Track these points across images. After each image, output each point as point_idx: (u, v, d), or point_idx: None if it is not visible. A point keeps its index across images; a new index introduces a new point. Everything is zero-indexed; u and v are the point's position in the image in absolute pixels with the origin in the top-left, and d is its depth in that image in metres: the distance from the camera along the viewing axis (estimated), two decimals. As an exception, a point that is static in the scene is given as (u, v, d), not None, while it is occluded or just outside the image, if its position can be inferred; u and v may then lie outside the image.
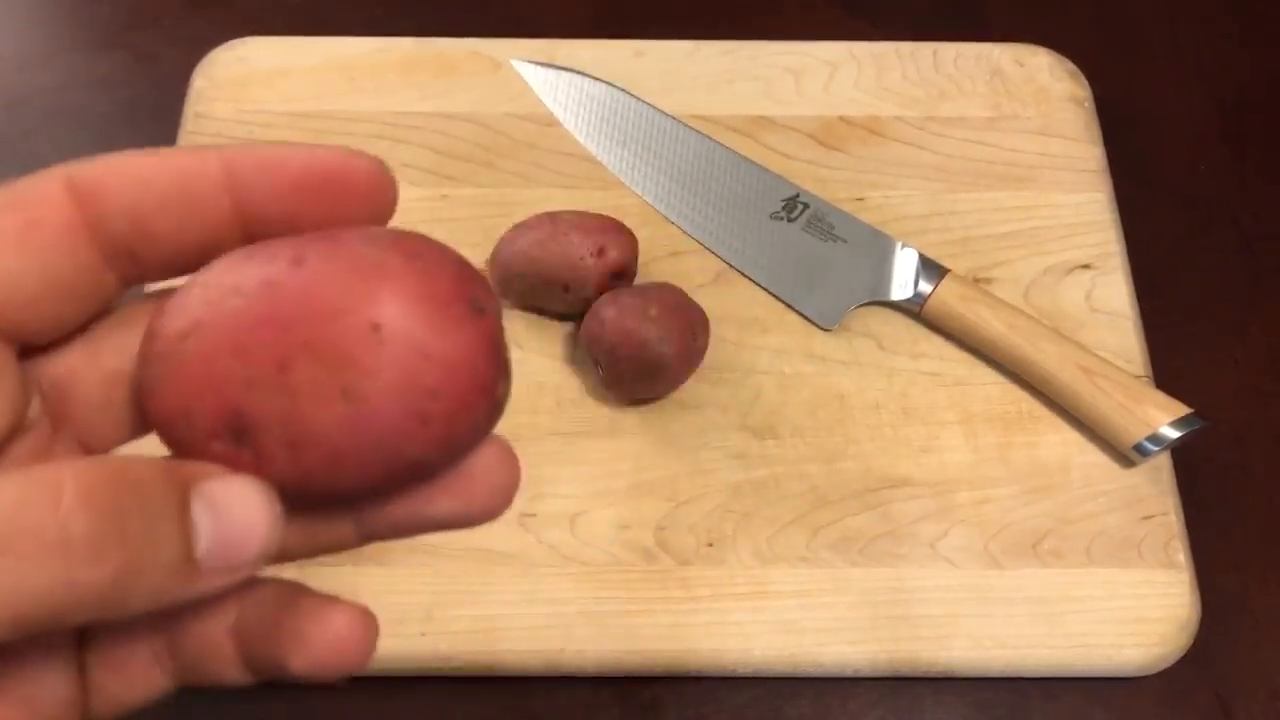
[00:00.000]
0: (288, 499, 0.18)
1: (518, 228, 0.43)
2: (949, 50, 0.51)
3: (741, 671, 0.39)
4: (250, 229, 0.19)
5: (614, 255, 0.42)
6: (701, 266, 0.46)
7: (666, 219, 0.47)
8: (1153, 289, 0.46)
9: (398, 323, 0.17)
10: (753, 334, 0.45)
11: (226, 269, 0.18)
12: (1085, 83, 0.51)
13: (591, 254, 0.42)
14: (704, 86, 0.50)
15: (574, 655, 0.39)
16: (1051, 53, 0.52)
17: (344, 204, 0.20)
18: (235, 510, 0.17)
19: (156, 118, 0.50)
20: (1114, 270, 0.46)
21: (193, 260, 0.20)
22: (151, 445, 0.20)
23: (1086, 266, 0.46)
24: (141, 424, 0.21)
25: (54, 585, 0.15)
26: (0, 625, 0.15)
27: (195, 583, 0.17)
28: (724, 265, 0.46)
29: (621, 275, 0.43)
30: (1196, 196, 0.50)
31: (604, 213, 0.43)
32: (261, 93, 0.50)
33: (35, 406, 0.20)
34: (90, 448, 0.21)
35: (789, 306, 0.45)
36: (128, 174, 0.19)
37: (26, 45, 0.53)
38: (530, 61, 0.50)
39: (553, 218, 0.43)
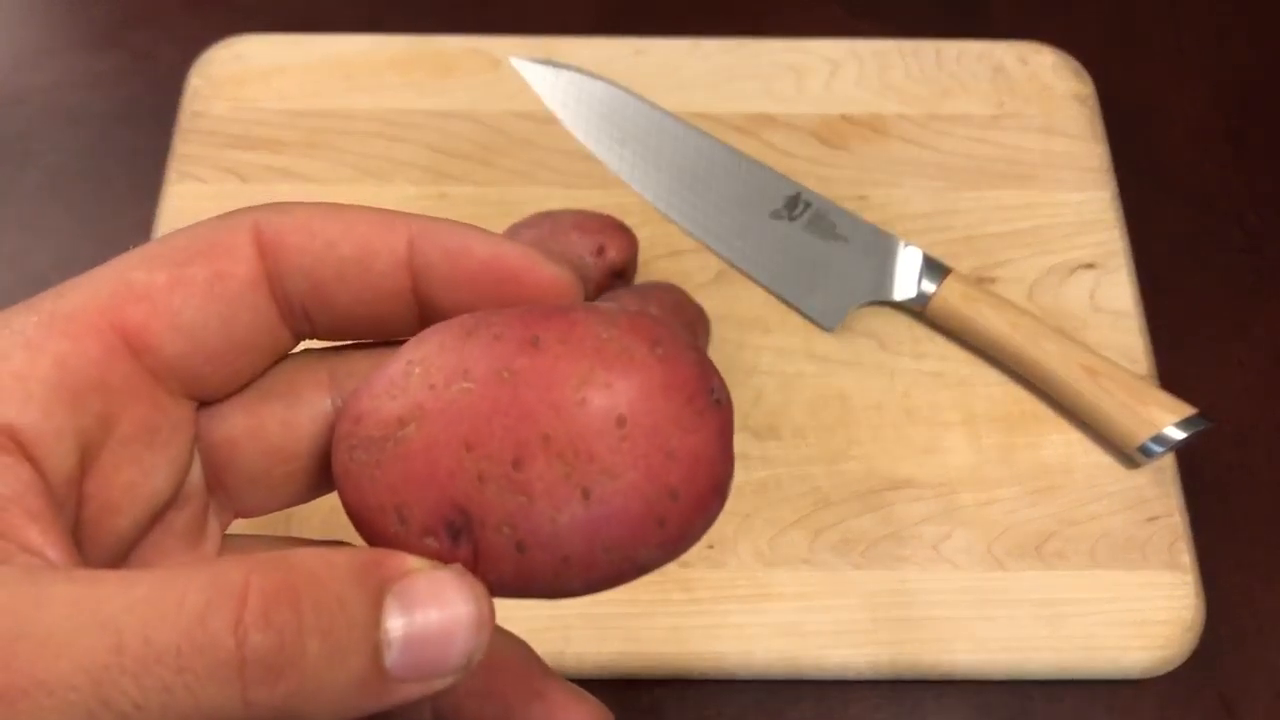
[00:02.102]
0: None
1: (517, 226, 0.43)
2: (952, 48, 0.51)
3: (743, 674, 0.39)
4: (423, 305, 0.19)
5: (614, 254, 0.42)
6: (702, 266, 0.46)
7: (666, 218, 0.47)
8: (1157, 288, 0.46)
9: (644, 418, 0.16)
10: (754, 334, 0.44)
11: (445, 348, 0.17)
12: (1089, 80, 0.51)
13: (591, 253, 0.41)
14: (705, 84, 0.50)
15: (574, 658, 0.38)
16: (1055, 50, 0.51)
17: (520, 303, 0.19)
18: (435, 611, 0.15)
19: (154, 116, 0.50)
20: (1118, 269, 0.46)
21: (362, 327, 0.19)
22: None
23: (1090, 266, 0.46)
24: (303, 494, 0.20)
25: (226, 704, 0.14)
26: None
27: (385, 696, 0.15)
28: (725, 264, 0.46)
29: (621, 274, 0.42)
30: (1201, 195, 0.50)
31: (604, 211, 0.43)
32: (258, 91, 0.49)
33: (195, 470, 0.19)
34: (243, 513, 0.20)
35: (790, 306, 0.45)
36: (313, 233, 0.18)
37: (23, 43, 0.53)
38: (529, 59, 0.50)
39: (552, 216, 0.43)
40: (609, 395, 0.16)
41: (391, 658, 0.15)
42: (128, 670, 0.14)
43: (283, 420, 0.20)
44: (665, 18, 0.54)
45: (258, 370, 0.19)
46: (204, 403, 0.19)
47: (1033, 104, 0.50)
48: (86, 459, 0.17)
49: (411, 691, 0.15)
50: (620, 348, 0.16)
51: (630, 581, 0.17)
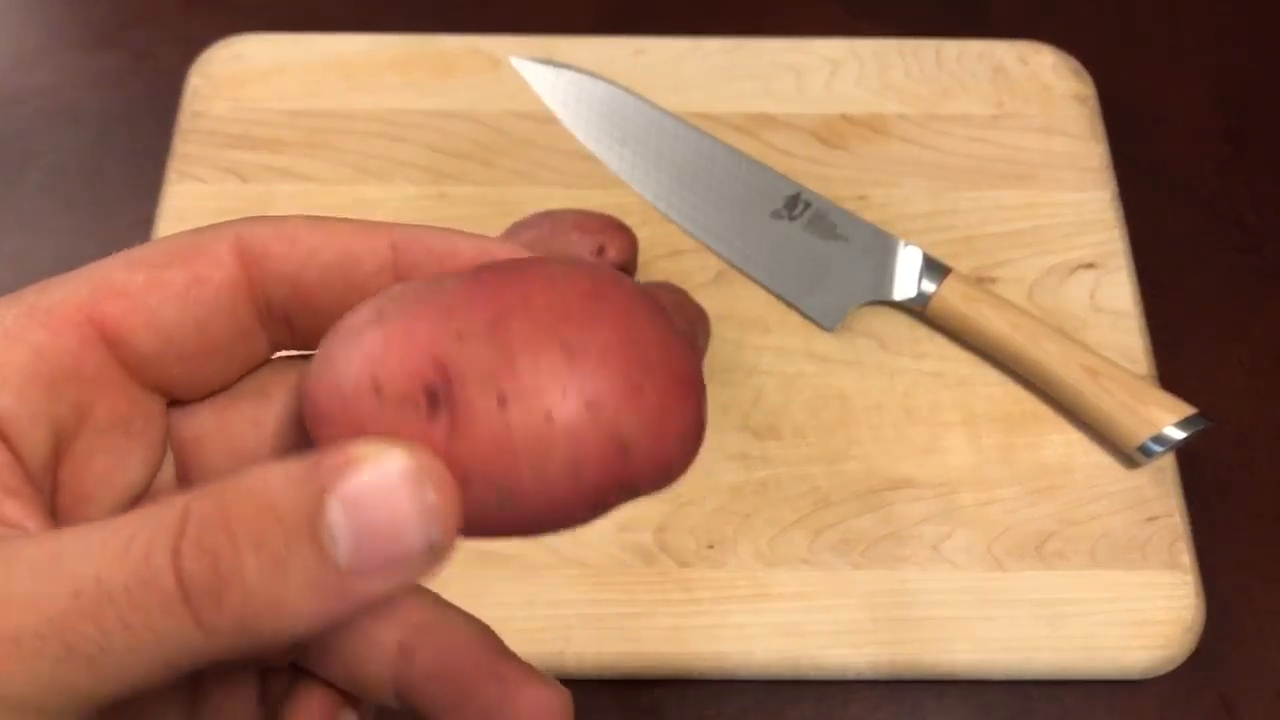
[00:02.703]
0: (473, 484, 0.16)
1: (517, 226, 0.43)
2: (952, 48, 0.51)
3: (743, 674, 0.39)
4: None
5: (614, 254, 0.42)
6: (702, 265, 0.46)
7: (667, 217, 0.47)
8: (1157, 288, 0.46)
9: (618, 293, 0.16)
10: (754, 334, 0.44)
11: (411, 286, 0.17)
12: (1089, 80, 0.51)
13: (591, 253, 0.41)
14: (705, 84, 0.50)
15: (574, 658, 0.38)
16: (1055, 50, 0.51)
17: None
18: (380, 497, 0.15)
19: (154, 116, 0.50)
20: (1118, 269, 0.46)
21: None
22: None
23: (1090, 265, 0.46)
24: None
25: (184, 633, 0.15)
26: (131, 682, 0.15)
27: (348, 595, 0.15)
28: (725, 264, 0.46)
29: (621, 274, 0.42)
30: (1201, 195, 0.50)
31: (604, 211, 0.43)
32: (258, 90, 0.49)
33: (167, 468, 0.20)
34: None
35: (790, 306, 0.45)
36: (295, 241, 0.18)
37: (23, 43, 0.53)
38: (529, 59, 0.50)
39: (552, 216, 0.43)
40: (582, 278, 0.16)
41: (342, 553, 0.14)
42: (86, 613, 0.14)
43: (251, 419, 0.20)
44: (665, 17, 0.54)
45: (231, 376, 0.20)
46: (177, 401, 0.20)
47: (1033, 104, 0.50)
48: (61, 445, 0.18)
49: (377, 586, 0.15)
50: (588, 269, 0.17)
51: (617, 479, 0.16)
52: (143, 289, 0.18)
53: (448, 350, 0.15)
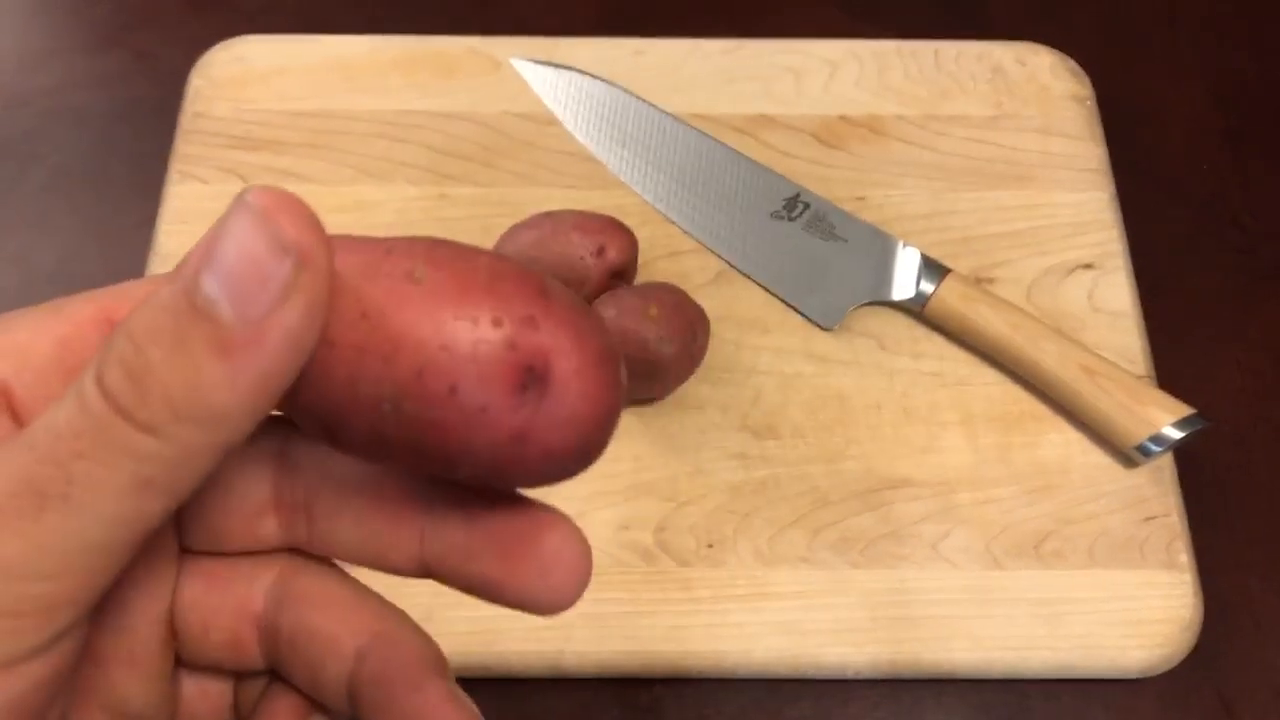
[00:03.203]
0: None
1: (517, 227, 0.43)
2: (950, 49, 0.51)
3: (742, 673, 0.39)
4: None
5: (614, 255, 0.42)
6: (701, 266, 0.46)
7: (666, 218, 0.47)
8: (1155, 289, 0.46)
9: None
10: (753, 334, 0.45)
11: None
12: (1087, 81, 0.51)
13: (591, 254, 0.42)
14: (704, 85, 0.50)
15: (574, 657, 0.38)
16: (1053, 51, 0.51)
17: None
18: (239, 248, 0.15)
19: (156, 117, 0.50)
20: (1116, 270, 0.46)
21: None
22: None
23: (1088, 266, 0.46)
24: None
25: (137, 447, 0.16)
26: (112, 514, 0.16)
27: (253, 347, 0.15)
28: (724, 265, 0.46)
29: (621, 275, 0.42)
30: (1199, 195, 0.50)
31: (604, 212, 0.43)
32: (260, 92, 0.49)
33: None
34: None
35: (789, 306, 0.45)
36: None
37: (26, 45, 0.53)
38: (530, 60, 0.50)
39: (552, 217, 0.43)
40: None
41: (224, 312, 0.15)
42: (44, 459, 0.16)
43: None
44: (665, 19, 0.54)
45: None
46: None
47: (1031, 105, 0.50)
48: None
49: (274, 336, 0.15)
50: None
51: (508, 444, 0.17)
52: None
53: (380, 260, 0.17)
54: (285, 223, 0.15)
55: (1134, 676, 0.39)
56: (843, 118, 0.49)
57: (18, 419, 0.18)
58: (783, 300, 0.45)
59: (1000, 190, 0.48)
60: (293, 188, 0.50)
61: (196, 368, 0.15)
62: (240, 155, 0.48)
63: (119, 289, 0.19)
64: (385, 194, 0.47)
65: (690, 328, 0.41)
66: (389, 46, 0.51)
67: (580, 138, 0.49)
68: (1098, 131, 0.50)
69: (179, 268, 0.16)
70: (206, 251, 0.15)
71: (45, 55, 0.53)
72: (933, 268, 0.44)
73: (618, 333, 0.40)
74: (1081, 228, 0.47)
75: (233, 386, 0.15)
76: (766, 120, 0.49)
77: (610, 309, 0.40)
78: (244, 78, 0.50)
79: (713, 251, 0.46)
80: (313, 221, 0.16)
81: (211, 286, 0.15)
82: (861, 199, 0.47)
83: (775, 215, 0.46)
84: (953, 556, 0.40)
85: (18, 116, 0.51)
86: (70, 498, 0.15)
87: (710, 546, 0.40)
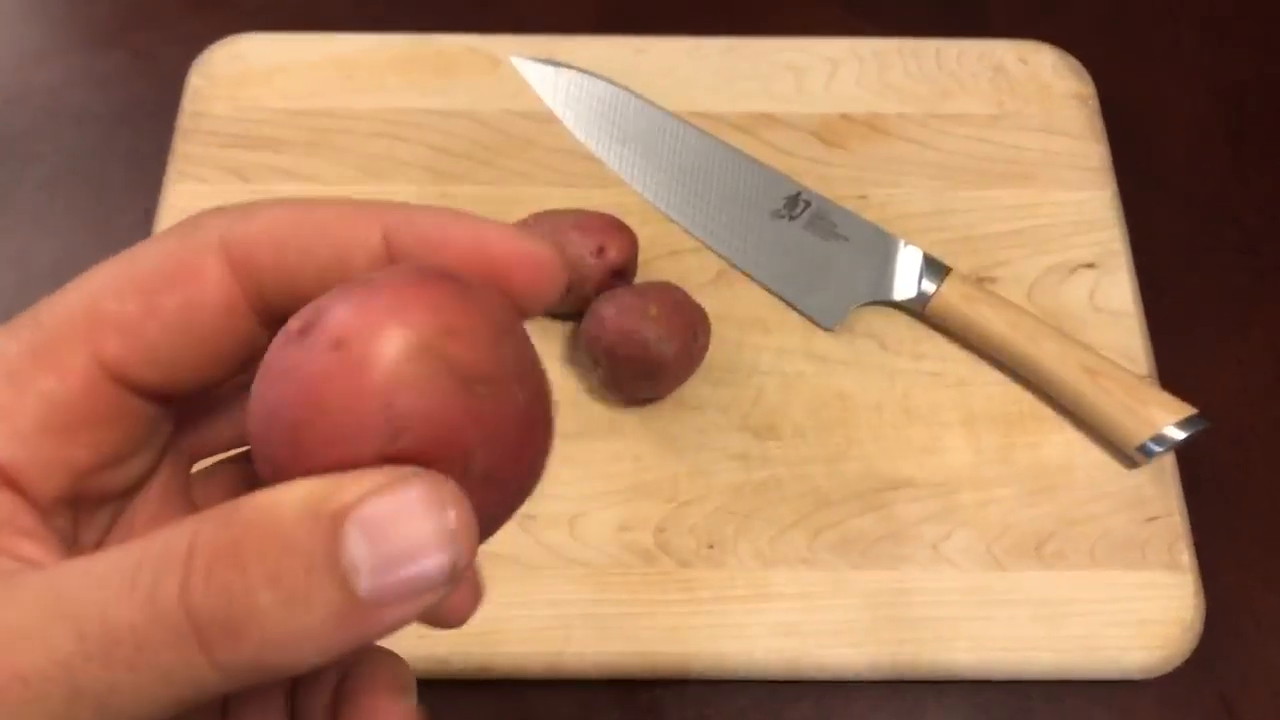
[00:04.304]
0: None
1: (517, 226, 0.43)
2: (951, 47, 0.51)
3: (742, 674, 0.39)
4: None
5: (614, 254, 0.42)
6: (702, 265, 0.46)
7: (667, 217, 0.47)
8: (1156, 288, 0.46)
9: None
10: (754, 334, 0.44)
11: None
12: (1089, 80, 0.51)
13: (591, 253, 0.41)
14: (705, 84, 0.50)
15: (574, 657, 0.38)
16: (1055, 50, 0.51)
17: (506, 288, 0.18)
18: (402, 524, 0.14)
19: (155, 116, 0.50)
20: (1117, 269, 0.46)
21: None
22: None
23: (1090, 265, 0.46)
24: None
25: (196, 672, 0.14)
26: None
27: (370, 625, 0.14)
28: (725, 264, 0.46)
29: (621, 274, 0.42)
30: (1200, 194, 0.50)
31: (604, 211, 0.43)
32: (259, 90, 0.49)
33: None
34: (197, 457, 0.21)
35: (790, 306, 0.45)
36: (284, 246, 0.18)
37: (25, 44, 0.53)
38: (529, 59, 0.50)
39: (552, 216, 0.43)
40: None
41: (365, 586, 0.14)
42: (93, 656, 0.14)
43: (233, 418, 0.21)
44: (665, 17, 0.54)
45: (239, 368, 0.19)
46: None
47: (1033, 103, 0.50)
48: (79, 480, 0.18)
49: (401, 614, 0.15)
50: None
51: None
52: (138, 321, 0.18)
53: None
54: (456, 518, 0.15)
55: (1135, 677, 0.39)
56: (844, 116, 0.49)
57: (21, 490, 0.17)
58: (784, 300, 0.45)
59: (1001, 189, 0.48)
60: (293, 187, 0.50)
61: (307, 630, 0.14)
62: (240, 154, 0.48)
63: (94, 310, 0.18)
64: (385, 192, 0.47)
65: (690, 327, 0.41)
66: (389, 45, 0.51)
67: (580, 136, 0.48)
68: (1099, 130, 0.49)
69: (318, 494, 0.15)
70: (361, 503, 0.14)
71: (44, 54, 0.53)
72: (934, 267, 0.44)
73: (618, 333, 0.40)
74: (1083, 227, 0.47)
75: (330, 652, 0.14)
76: (767, 119, 0.49)
77: (610, 308, 0.40)
78: (243, 76, 0.50)
79: (713, 251, 0.46)
80: (474, 527, 0.15)
81: (360, 553, 0.14)
82: (863, 198, 0.47)
83: (776, 214, 0.46)
84: (954, 557, 0.40)
85: (16, 115, 0.51)
86: (106, 701, 0.14)
87: (711, 547, 0.40)
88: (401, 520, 0.14)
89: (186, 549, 0.14)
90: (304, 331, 0.16)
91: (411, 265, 0.18)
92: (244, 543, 0.14)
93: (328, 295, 0.16)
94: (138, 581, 0.14)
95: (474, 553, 0.15)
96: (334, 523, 0.14)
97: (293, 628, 0.14)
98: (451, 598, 0.20)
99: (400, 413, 0.15)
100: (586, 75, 0.50)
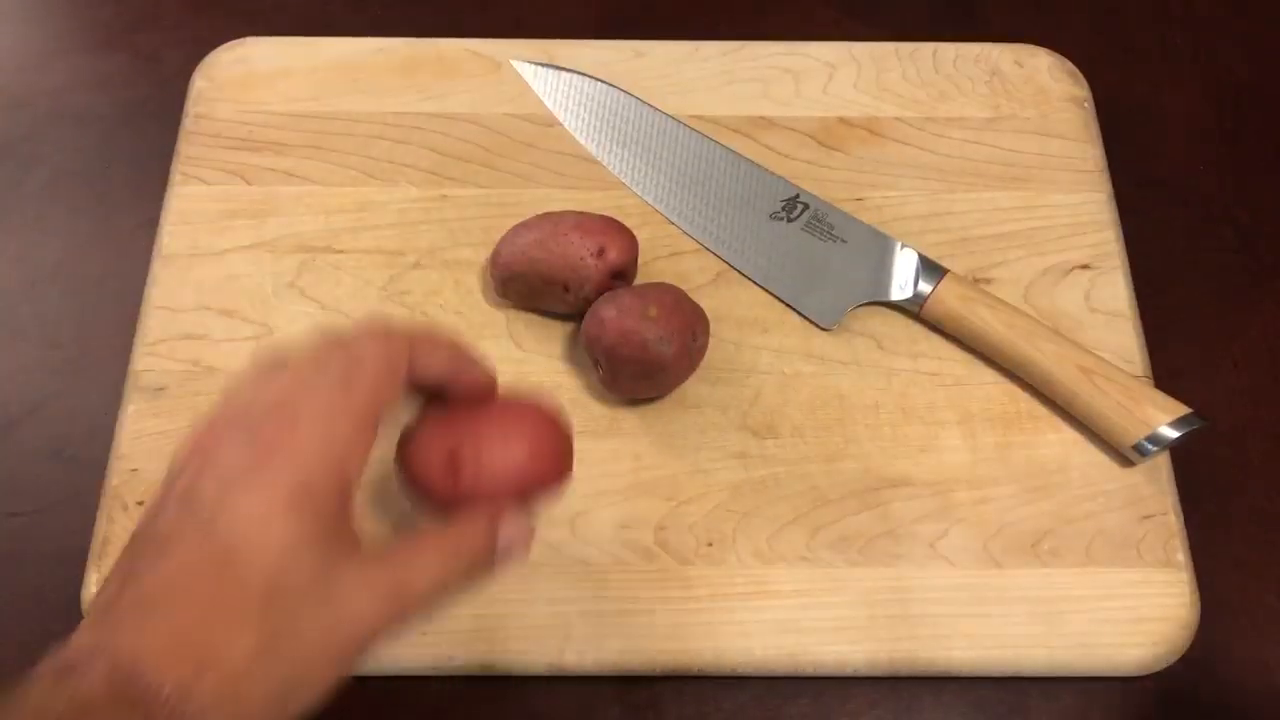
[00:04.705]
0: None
1: (518, 228, 0.43)
2: (948, 51, 0.52)
3: (741, 671, 0.39)
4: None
5: (614, 255, 0.42)
6: (701, 266, 0.46)
7: (667, 219, 0.47)
8: (1152, 289, 0.47)
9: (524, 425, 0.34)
10: (752, 334, 0.45)
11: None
12: (1084, 83, 0.51)
13: (591, 254, 0.42)
14: (704, 87, 0.50)
15: (574, 655, 0.39)
16: (1051, 53, 0.52)
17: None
18: (511, 536, 0.32)
19: (158, 118, 0.50)
20: (1113, 270, 0.46)
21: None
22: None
23: (1085, 266, 0.46)
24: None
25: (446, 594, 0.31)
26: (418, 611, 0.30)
27: (496, 569, 0.32)
28: (724, 265, 0.46)
29: (621, 275, 0.43)
30: (1195, 196, 0.50)
31: (604, 213, 0.44)
32: (262, 93, 0.50)
33: None
34: None
35: (789, 306, 0.45)
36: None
37: (29, 46, 0.54)
38: (530, 62, 0.50)
39: (553, 218, 0.43)
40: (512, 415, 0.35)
41: (498, 555, 0.32)
42: (411, 614, 0.30)
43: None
44: (665, 21, 0.54)
45: None
46: None
47: (1029, 106, 0.50)
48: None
49: (499, 567, 0.32)
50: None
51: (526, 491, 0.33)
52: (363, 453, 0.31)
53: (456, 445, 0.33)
54: (526, 531, 0.32)
55: (1131, 674, 0.40)
56: (841, 119, 0.50)
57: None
58: (782, 300, 0.45)
59: (998, 191, 0.48)
60: (295, 189, 0.50)
61: (473, 577, 0.32)
62: (242, 156, 0.48)
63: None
64: (387, 195, 0.47)
65: (690, 327, 0.41)
66: (390, 49, 0.51)
67: (581, 139, 0.49)
68: (1095, 133, 0.50)
69: (486, 520, 0.32)
70: (502, 522, 0.32)
71: (47, 56, 0.53)
72: (931, 268, 0.44)
73: (618, 333, 0.40)
74: (1079, 228, 0.47)
75: (489, 578, 0.32)
76: (766, 122, 0.50)
77: (610, 309, 0.40)
78: (246, 79, 0.50)
79: (712, 252, 0.47)
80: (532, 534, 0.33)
81: (501, 544, 0.32)
82: (860, 200, 0.48)
83: (774, 216, 0.47)
84: (951, 555, 0.41)
85: (20, 117, 0.51)
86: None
87: (710, 545, 0.40)
88: (515, 531, 0.32)
89: (489, 535, 0.32)
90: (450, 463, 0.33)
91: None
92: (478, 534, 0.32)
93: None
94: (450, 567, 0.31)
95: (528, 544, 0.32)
96: (494, 525, 0.32)
97: (492, 570, 0.32)
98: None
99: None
100: (586, 79, 0.50)
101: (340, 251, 0.46)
